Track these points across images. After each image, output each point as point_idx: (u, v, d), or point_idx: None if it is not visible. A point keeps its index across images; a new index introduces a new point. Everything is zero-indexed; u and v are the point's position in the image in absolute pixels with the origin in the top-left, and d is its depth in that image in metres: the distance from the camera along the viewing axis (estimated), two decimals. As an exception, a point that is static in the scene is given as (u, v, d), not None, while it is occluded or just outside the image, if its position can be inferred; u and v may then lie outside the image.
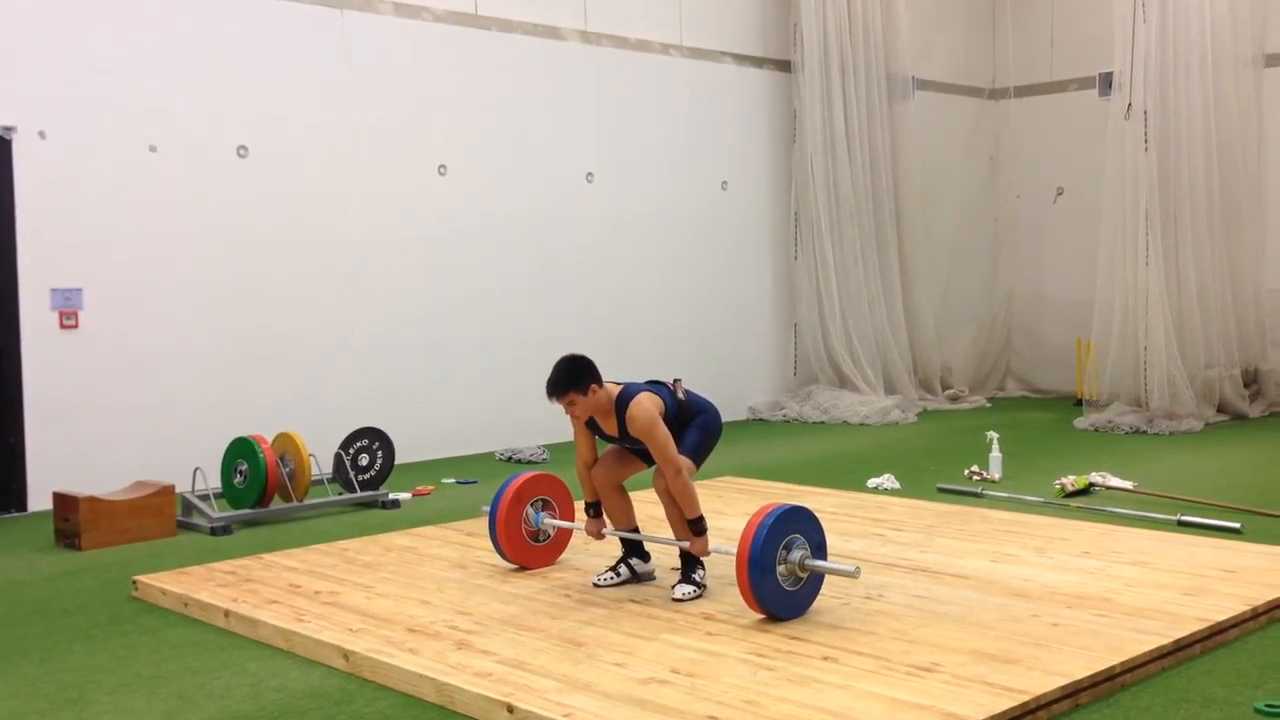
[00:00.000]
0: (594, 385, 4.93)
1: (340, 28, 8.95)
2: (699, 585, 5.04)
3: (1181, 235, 10.87)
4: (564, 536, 5.71)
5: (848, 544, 5.94)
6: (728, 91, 11.56)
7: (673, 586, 5.06)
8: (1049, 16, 13.43)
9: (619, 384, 5.09)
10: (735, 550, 4.59)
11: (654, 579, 5.30)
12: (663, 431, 4.90)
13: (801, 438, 10.52)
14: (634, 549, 5.32)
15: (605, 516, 5.31)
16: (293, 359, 8.75)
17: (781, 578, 4.60)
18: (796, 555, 4.63)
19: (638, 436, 4.93)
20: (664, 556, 5.48)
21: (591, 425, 5.12)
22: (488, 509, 5.59)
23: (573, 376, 4.92)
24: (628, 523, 5.30)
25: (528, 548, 5.57)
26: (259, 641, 4.77)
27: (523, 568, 5.57)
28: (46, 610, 5.36)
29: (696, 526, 4.97)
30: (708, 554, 5.01)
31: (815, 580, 4.75)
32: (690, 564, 5.09)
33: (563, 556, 5.72)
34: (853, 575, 4.65)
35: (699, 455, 5.10)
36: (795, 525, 4.65)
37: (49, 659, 4.64)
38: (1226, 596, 4.85)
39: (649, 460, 5.14)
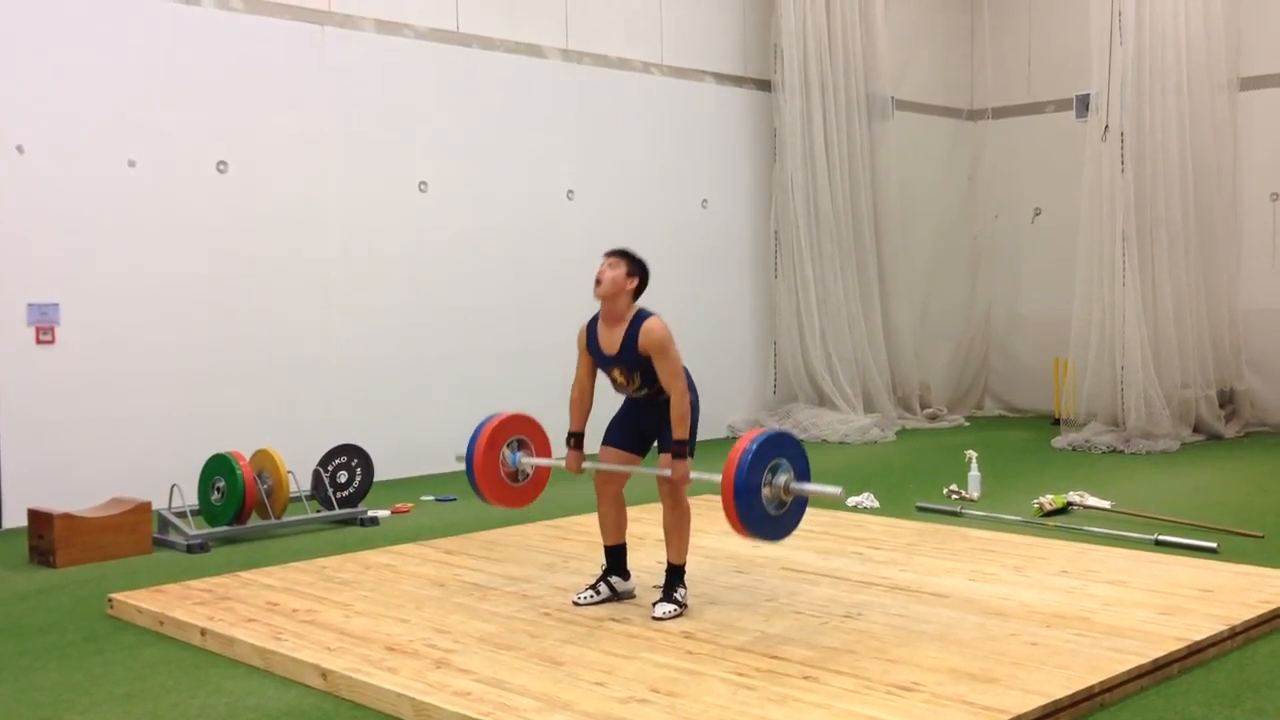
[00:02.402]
0: (638, 281, 5.10)
1: (321, 43, 8.95)
2: (680, 604, 5.03)
3: (1158, 255, 10.94)
4: (543, 475, 5.60)
5: (827, 562, 5.94)
6: (708, 110, 11.60)
7: (653, 605, 5.05)
8: (1026, 38, 13.55)
9: None
10: (720, 476, 4.55)
11: (634, 597, 5.29)
12: (676, 352, 4.93)
13: (781, 456, 10.52)
14: (615, 567, 5.31)
15: (599, 520, 5.28)
16: (271, 375, 8.71)
17: (766, 501, 4.58)
18: (782, 479, 4.61)
19: (649, 351, 4.92)
20: (645, 575, 5.48)
21: (592, 342, 5.15)
22: (462, 456, 5.51)
23: (636, 260, 5.14)
24: (618, 535, 5.28)
25: (507, 488, 5.49)
26: (236, 660, 4.73)
27: (505, 508, 5.51)
28: (20, 628, 5.30)
29: (681, 449, 4.90)
30: (689, 480, 4.95)
31: (798, 505, 4.72)
32: (671, 583, 5.08)
33: (541, 573, 5.69)
34: (837, 497, 4.66)
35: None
36: (781, 450, 4.63)
37: (22, 677, 4.59)
38: (1203, 616, 4.87)
39: (640, 449, 5.17)
